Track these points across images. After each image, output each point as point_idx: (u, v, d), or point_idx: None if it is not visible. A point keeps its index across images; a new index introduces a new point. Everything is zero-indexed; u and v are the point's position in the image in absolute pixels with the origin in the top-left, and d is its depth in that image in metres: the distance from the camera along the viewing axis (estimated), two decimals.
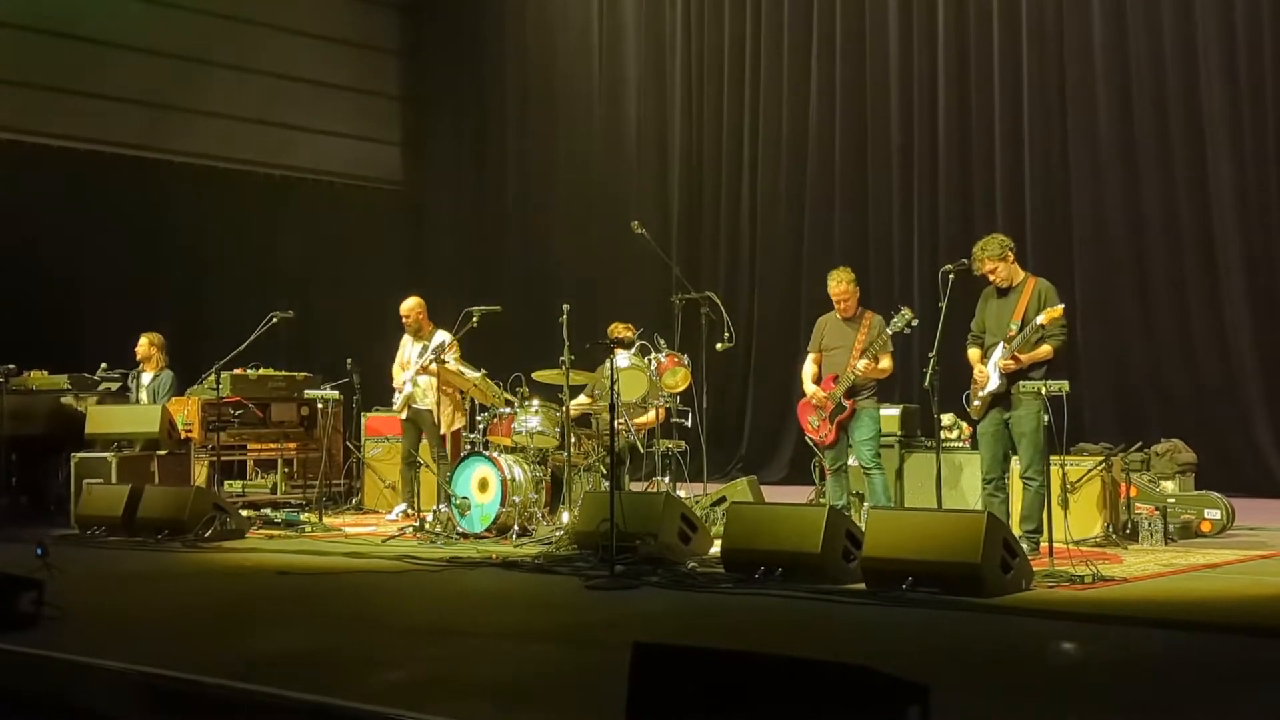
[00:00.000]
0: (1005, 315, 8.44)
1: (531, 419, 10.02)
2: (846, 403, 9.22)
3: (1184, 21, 12.54)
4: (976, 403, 8.52)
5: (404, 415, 11.50)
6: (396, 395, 11.59)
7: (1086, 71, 13.09)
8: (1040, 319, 8.23)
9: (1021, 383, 8.11)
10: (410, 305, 11.50)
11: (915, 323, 9.14)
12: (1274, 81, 12.10)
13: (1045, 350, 8.31)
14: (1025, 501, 8.39)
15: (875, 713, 3.50)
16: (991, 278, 8.55)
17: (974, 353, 8.63)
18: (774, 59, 15.46)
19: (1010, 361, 8.25)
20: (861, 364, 9.13)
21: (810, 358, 9.61)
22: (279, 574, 8.25)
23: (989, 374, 8.40)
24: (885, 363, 9.28)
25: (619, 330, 10.57)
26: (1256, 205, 12.19)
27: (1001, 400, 8.39)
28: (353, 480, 13.15)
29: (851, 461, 9.42)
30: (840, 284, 9.41)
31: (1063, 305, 8.32)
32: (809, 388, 9.50)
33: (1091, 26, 13.05)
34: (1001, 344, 8.36)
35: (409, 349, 11.54)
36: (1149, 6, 12.74)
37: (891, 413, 10.30)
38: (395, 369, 11.66)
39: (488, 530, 9.81)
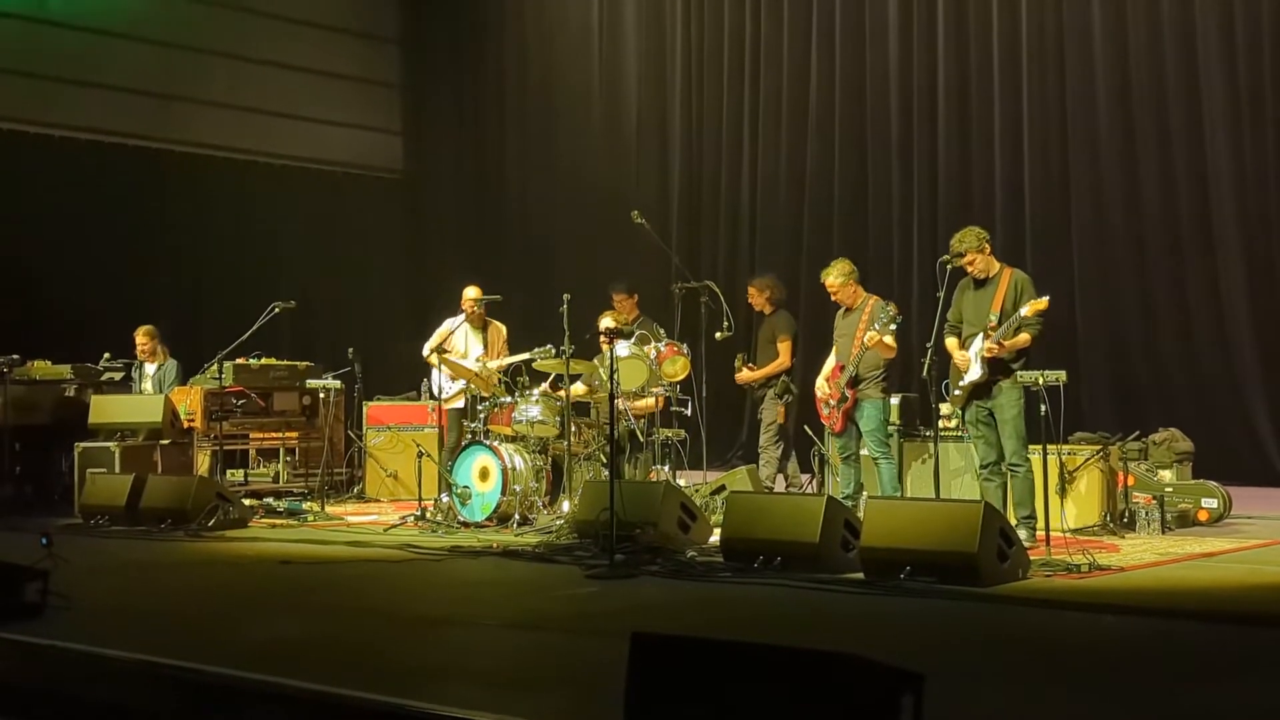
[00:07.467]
0: (984, 306, 8.53)
1: (532, 408, 10.05)
2: (849, 392, 9.27)
3: (1184, 10, 12.55)
4: (957, 392, 8.63)
5: (460, 404, 11.04)
6: (445, 381, 11.00)
7: (1086, 61, 13.11)
8: (1024, 310, 8.29)
9: (1019, 374, 8.21)
10: (478, 294, 11.19)
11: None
12: (1273, 71, 12.11)
13: (1024, 338, 8.41)
14: (1015, 488, 8.47)
15: (870, 702, 3.55)
16: (969, 269, 8.62)
17: (952, 342, 8.73)
18: (774, 48, 15.47)
19: (995, 346, 8.32)
20: (865, 339, 9.14)
21: (833, 351, 9.66)
22: (281, 563, 8.31)
23: (970, 360, 8.47)
24: (887, 341, 9.19)
25: (611, 315, 10.52)
26: (1256, 195, 12.21)
27: (982, 390, 8.48)
28: (354, 469, 13.21)
29: (864, 451, 9.46)
30: (828, 278, 9.50)
31: (1047, 298, 8.36)
32: (819, 382, 9.60)
33: (1091, 16, 13.07)
34: (981, 335, 8.43)
35: (466, 338, 11.13)
36: None
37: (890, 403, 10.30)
38: (432, 351, 10.91)
39: (489, 519, 9.84)
